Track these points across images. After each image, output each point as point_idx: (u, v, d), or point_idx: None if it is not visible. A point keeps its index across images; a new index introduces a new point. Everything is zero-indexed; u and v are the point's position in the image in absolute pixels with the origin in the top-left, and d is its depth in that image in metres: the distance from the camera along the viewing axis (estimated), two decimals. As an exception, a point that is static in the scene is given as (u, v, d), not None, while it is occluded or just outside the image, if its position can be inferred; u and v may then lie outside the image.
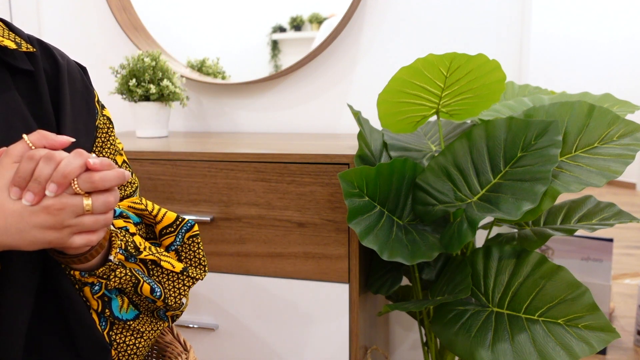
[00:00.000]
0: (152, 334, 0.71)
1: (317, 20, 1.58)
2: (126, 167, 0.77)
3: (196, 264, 0.73)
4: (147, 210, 0.70)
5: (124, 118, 1.71)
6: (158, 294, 0.67)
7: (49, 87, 0.65)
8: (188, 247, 0.72)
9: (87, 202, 0.53)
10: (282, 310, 1.17)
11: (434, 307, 1.11)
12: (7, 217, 0.52)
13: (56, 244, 0.53)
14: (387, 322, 1.58)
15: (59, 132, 0.64)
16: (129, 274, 0.64)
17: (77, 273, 0.61)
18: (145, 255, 0.66)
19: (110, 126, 0.75)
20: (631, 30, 4.30)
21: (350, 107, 1.17)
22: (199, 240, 0.73)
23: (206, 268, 0.74)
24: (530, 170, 0.93)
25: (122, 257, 0.64)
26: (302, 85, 1.58)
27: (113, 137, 0.75)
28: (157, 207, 0.71)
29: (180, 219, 0.72)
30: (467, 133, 1.02)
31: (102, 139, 0.73)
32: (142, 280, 0.65)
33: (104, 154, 0.73)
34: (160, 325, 0.72)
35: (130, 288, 0.65)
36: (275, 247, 1.15)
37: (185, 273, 0.70)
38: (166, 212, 0.71)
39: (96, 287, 0.63)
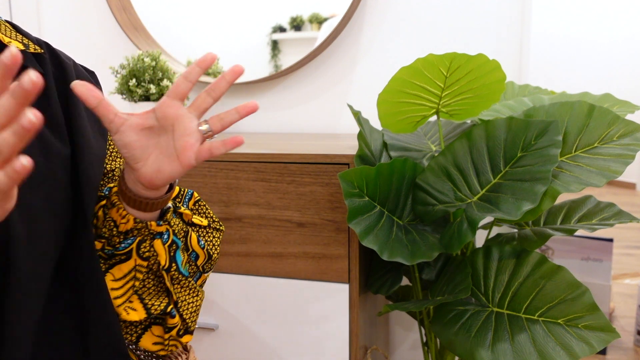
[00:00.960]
0: (202, 295, 0.73)
1: (317, 20, 1.58)
2: None
3: (212, 221, 0.77)
4: None
5: (124, 118, 1.71)
6: (202, 244, 0.71)
7: (57, 90, 0.65)
8: (197, 211, 0.76)
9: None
10: (282, 310, 1.17)
11: (434, 307, 1.11)
12: None
13: None
14: (387, 322, 1.58)
15: (72, 133, 0.64)
16: (181, 222, 0.68)
17: (153, 223, 0.64)
18: (182, 210, 0.70)
19: None
20: (631, 30, 4.30)
21: (350, 107, 1.17)
22: (204, 203, 0.77)
23: (221, 223, 0.78)
24: (530, 170, 0.93)
25: (172, 209, 0.67)
26: (302, 85, 1.58)
27: None
28: None
29: (182, 190, 0.75)
30: (467, 133, 1.02)
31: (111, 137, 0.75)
32: (189, 230, 0.69)
33: (112, 157, 0.75)
34: (201, 292, 0.74)
35: (182, 238, 0.68)
36: (275, 247, 1.15)
37: (212, 226, 0.75)
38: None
39: (165, 236, 0.65)
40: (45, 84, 0.63)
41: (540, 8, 4.20)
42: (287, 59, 1.62)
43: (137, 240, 0.65)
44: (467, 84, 1.00)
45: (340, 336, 1.14)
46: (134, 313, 0.66)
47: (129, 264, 0.66)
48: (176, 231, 0.67)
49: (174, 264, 0.67)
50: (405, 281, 1.45)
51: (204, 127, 0.59)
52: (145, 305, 0.67)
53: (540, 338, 0.89)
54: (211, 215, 0.77)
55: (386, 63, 1.51)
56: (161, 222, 0.65)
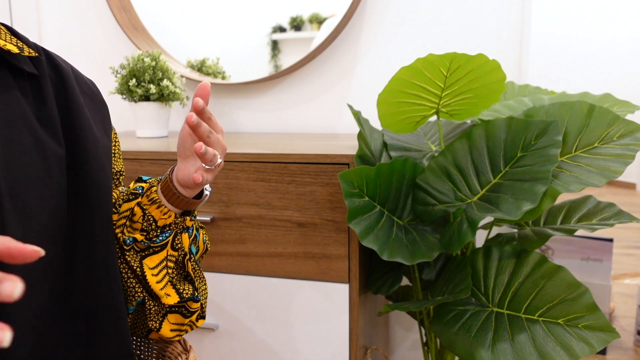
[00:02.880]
0: (207, 284, 0.83)
1: (317, 20, 1.58)
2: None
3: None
4: (155, 180, 0.80)
5: (124, 118, 1.71)
6: (205, 239, 0.82)
7: (54, 92, 0.65)
8: None
9: None
10: (282, 310, 1.17)
11: (434, 307, 1.11)
12: None
13: None
14: (387, 322, 1.58)
15: (71, 134, 0.65)
16: (196, 220, 0.78)
17: (187, 219, 0.74)
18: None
19: (115, 133, 0.79)
20: (631, 30, 4.30)
21: (350, 107, 1.17)
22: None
23: (203, 225, 0.86)
24: (530, 170, 0.93)
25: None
26: (302, 85, 1.58)
27: (119, 144, 0.80)
28: (154, 179, 0.80)
29: None
30: (467, 133, 1.02)
31: (115, 140, 0.78)
32: (200, 229, 0.80)
33: (115, 157, 0.78)
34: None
35: (197, 232, 0.78)
36: (275, 247, 1.15)
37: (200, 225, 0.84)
38: None
39: (191, 230, 0.75)
40: (40, 85, 0.64)
41: (540, 8, 4.21)
42: (287, 59, 1.62)
43: (173, 234, 0.73)
44: (467, 84, 1.00)
45: (340, 336, 1.14)
46: (170, 298, 0.73)
47: (161, 255, 0.73)
48: (196, 226, 0.78)
49: (191, 255, 0.76)
50: (405, 281, 1.45)
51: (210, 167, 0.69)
52: (177, 290, 0.74)
53: (540, 338, 0.89)
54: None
55: (386, 63, 1.51)
56: (192, 218, 0.75)
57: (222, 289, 1.20)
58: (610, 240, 1.82)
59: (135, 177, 1.21)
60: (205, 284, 0.80)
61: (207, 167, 0.67)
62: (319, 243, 1.12)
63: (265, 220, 1.15)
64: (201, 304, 0.78)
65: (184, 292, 0.75)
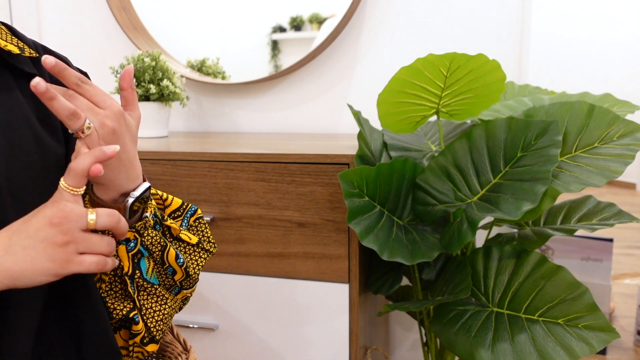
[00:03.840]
0: (173, 304, 0.72)
1: (317, 20, 1.58)
2: None
3: (206, 241, 0.76)
4: (157, 194, 0.74)
5: (124, 118, 1.70)
6: (181, 261, 0.69)
7: None
8: (195, 228, 0.76)
9: (91, 215, 0.53)
10: (282, 310, 1.17)
11: (434, 307, 1.11)
12: (12, 235, 0.52)
13: (61, 263, 0.52)
14: (387, 322, 1.58)
15: (69, 134, 0.65)
16: (159, 236, 0.67)
17: None
18: (169, 223, 0.70)
19: None
20: (631, 30, 4.30)
21: (350, 107, 1.17)
22: (205, 222, 0.78)
23: (215, 245, 0.77)
24: (530, 170, 0.93)
25: (152, 222, 0.66)
26: (302, 85, 1.58)
27: None
28: (164, 193, 0.76)
29: (185, 204, 0.76)
30: (467, 133, 1.02)
31: None
32: (168, 245, 0.68)
33: None
34: (177, 302, 0.74)
35: (158, 252, 0.67)
36: (275, 247, 1.15)
37: (200, 246, 0.74)
38: (173, 197, 0.76)
39: (132, 244, 0.66)
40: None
41: (540, 8, 4.20)
42: (287, 59, 1.62)
43: None
44: (467, 84, 1.00)
45: (340, 336, 1.14)
46: None
47: None
48: (147, 242, 0.66)
49: (137, 271, 0.68)
50: (405, 281, 1.45)
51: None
52: (107, 309, 0.68)
53: (540, 338, 0.89)
54: (207, 235, 0.77)
55: (386, 63, 1.51)
56: (130, 229, 0.65)
57: (222, 289, 1.20)
58: (610, 240, 1.82)
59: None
60: (162, 304, 0.70)
61: (70, 131, 0.55)
62: (319, 243, 1.12)
63: (265, 220, 1.15)
64: (148, 327, 0.69)
65: (115, 312, 0.68)
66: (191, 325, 1.22)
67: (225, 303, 1.21)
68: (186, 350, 0.80)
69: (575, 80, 4.39)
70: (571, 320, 0.89)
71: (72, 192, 0.54)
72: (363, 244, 0.95)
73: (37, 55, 0.65)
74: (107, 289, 0.69)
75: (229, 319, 1.21)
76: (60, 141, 0.64)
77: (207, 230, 0.77)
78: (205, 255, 0.75)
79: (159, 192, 0.75)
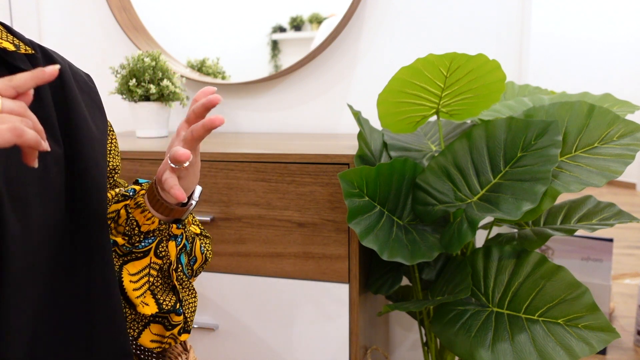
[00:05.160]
0: (197, 296, 0.78)
1: (317, 20, 1.58)
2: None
3: (204, 230, 0.83)
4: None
5: (124, 118, 1.71)
6: (202, 250, 0.77)
7: (51, 90, 0.65)
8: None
9: None
10: (282, 310, 1.17)
11: (434, 307, 1.11)
12: None
13: None
14: (387, 322, 1.58)
15: (69, 133, 0.64)
16: (190, 229, 0.74)
17: (174, 226, 0.70)
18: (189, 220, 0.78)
19: (112, 129, 0.78)
20: (631, 30, 4.30)
21: (350, 107, 1.17)
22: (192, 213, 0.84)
23: (208, 235, 0.84)
24: (530, 170, 0.93)
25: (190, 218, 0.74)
26: (302, 85, 1.58)
27: (116, 140, 0.79)
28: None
29: None
30: (467, 133, 1.02)
31: (111, 136, 0.77)
32: (195, 236, 0.76)
33: (112, 154, 0.77)
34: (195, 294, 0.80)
35: (191, 244, 0.74)
36: (275, 247, 1.15)
37: (203, 233, 0.81)
38: None
39: (179, 239, 0.71)
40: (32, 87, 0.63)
41: (540, 8, 4.20)
42: (287, 59, 1.62)
43: (156, 241, 0.70)
44: (467, 84, 1.00)
45: (340, 336, 1.14)
46: (147, 307, 0.70)
47: (144, 262, 0.70)
48: (187, 236, 0.73)
49: (179, 265, 0.73)
50: (405, 281, 1.45)
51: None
52: (157, 301, 0.71)
53: (540, 338, 0.89)
54: (198, 223, 0.84)
55: (386, 63, 1.51)
56: (180, 226, 0.70)
57: (222, 289, 1.20)
58: (610, 240, 1.82)
59: (135, 178, 1.21)
60: (194, 297, 0.76)
61: (173, 165, 0.62)
62: (319, 243, 1.12)
63: (265, 220, 1.15)
64: (185, 318, 0.74)
65: (164, 303, 0.71)
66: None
67: (225, 303, 1.21)
68: (186, 350, 0.80)
69: (575, 80, 4.39)
70: (571, 320, 0.89)
71: None
72: (363, 244, 0.95)
73: (33, 52, 0.65)
74: (158, 283, 0.72)
75: (229, 319, 1.21)
76: (58, 140, 0.63)
77: (196, 219, 0.84)
78: (208, 242, 0.81)
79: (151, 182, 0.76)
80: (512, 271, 0.98)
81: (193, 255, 0.75)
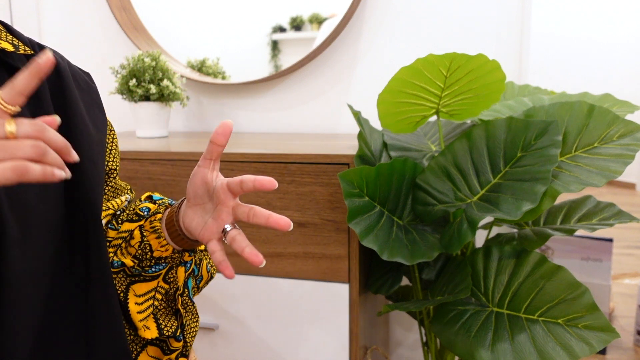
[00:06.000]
0: (199, 320, 0.78)
1: (317, 20, 1.58)
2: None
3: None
4: (166, 200, 0.76)
5: (124, 118, 1.71)
6: (209, 268, 0.76)
7: (50, 90, 0.65)
8: None
9: (9, 126, 0.45)
10: (282, 310, 1.17)
11: (434, 307, 1.11)
12: None
13: None
14: (387, 322, 1.58)
15: (68, 134, 0.64)
16: (198, 251, 0.72)
17: (186, 254, 0.69)
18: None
19: (112, 128, 0.77)
20: (631, 30, 4.30)
21: (350, 107, 1.17)
22: None
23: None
24: (530, 170, 0.93)
25: None
26: (302, 85, 1.58)
27: (116, 140, 0.78)
28: (166, 198, 0.76)
29: None
30: (467, 133, 1.03)
31: (111, 136, 0.75)
32: (202, 255, 0.75)
33: (112, 154, 0.75)
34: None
35: (198, 267, 0.73)
36: (275, 247, 1.15)
37: (206, 250, 0.78)
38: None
39: (188, 265, 0.70)
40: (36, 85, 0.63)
41: (540, 8, 4.21)
42: (287, 59, 1.62)
43: (167, 267, 0.69)
44: (467, 84, 1.00)
45: (340, 336, 1.14)
46: (148, 332, 0.69)
47: (151, 284, 0.69)
48: (196, 260, 0.72)
49: (186, 290, 0.71)
50: (405, 281, 1.45)
51: (228, 226, 0.62)
52: (159, 326, 0.69)
53: (540, 338, 0.89)
54: None
55: (386, 63, 1.51)
56: (192, 254, 0.70)
57: (222, 289, 1.20)
58: (610, 240, 1.82)
59: (136, 178, 1.21)
60: (196, 321, 0.75)
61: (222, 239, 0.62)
62: (319, 243, 1.12)
63: (265, 220, 1.15)
64: (185, 343, 0.73)
65: (165, 329, 0.70)
66: (191, 325, 1.22)
67: (225, 303, 1.21)
68: (186, 350, 0.80)
69: (575, 80, 4.39)
70: (571, 320, 0.89)
71: (3, 107, 0.46)
72: (363, 244, 0.95)
73: (33, 52, 0.65)
74: (161, 306, 0.70)
75: (229, 319, 1.21)
76: None
77: None
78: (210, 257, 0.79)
79: (165, 199, 0.74)
80: (512, 271, 0.98)
81: (200, 275, 0.75)
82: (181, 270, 0.70)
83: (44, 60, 0.47)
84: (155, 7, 1.71)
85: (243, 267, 1.18)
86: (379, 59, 1.51)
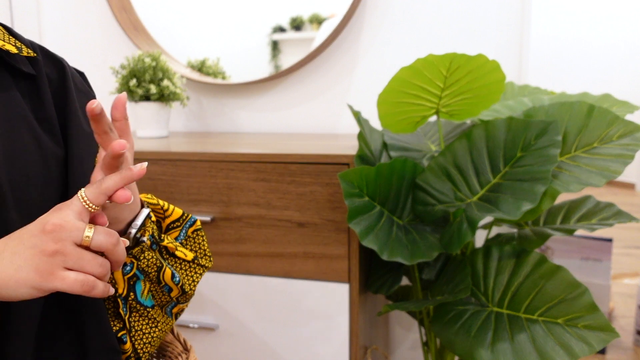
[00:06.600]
0: (164, 326, 0.73)
1: (317, 21, 1.58)
2: None
3: (202, 255, 0.76)
4: (158, 205, 0.73)
5: (124, 118, 1.70)
6: (177, 280, 0.70)
7: (52, 92, 0.65)
8: (193, 240, 0.76)
9: (88, 231, 0.50)
10: (282, 310, 1.17)
11: (433, 307, 1.12)
12: (8, 241, 0.50)
13: (43, 274, 0.49)
14: (387, 322, 1.58)
15: (67, 134, 0.64)
16: (155, 256, 0.67)
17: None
18: (166, 243, 0.70)
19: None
20: (631, 30, 4.30)
21: (350, 107, 1.17)
22: (203, 234, 0.77)
23: (211, 258, 0.77)
24: (530, 170, 0.94)
25: (149, 243, 0.66)
26: (302, 85, 1.58)
27: None
28: (165, 202, 0.75)
29: (185, 215, 0.75)
30: (467, 133, 1.03)
31: None
32: (164, 265, 0.68)
33: None
34: (169, 321, 0.74)
35: (154, 273, 0.68)
36: (275, 247, 1.15)
37: (196, 261, 0.74)
38: (174, 208, 0.75)
39: (127, 268, 0.65)
40: (38, 86, 0.63)
41: (540, 8, 4.20)
42: (287, 59, 1.62)
43: None
44: (467, 84, 1.00)
45: (340, 336, 1.14)
46: None
47: None
48: (143, 266, 0.67)
49: (132, 293, 0.68)
50: (405, 281, 1.45)
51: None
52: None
53: (540, 338, 0.89)
54: (204, 248, 0.77)
55: (386, 63, 1.51)
56: (129, 255, 0.66)
57: (222, 289, 1.21)
58: (610, 240, 1.82)
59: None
60: (152, 327, 0.70)
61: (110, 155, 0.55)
62: (319, 243, 1.12)
63: (265, 220, 1.15)
64: (135, 348, 0.69)
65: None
66: (191, 325, 1.23)
67: (225, 303, 1.21)
68: (186, 350, 0.80)
69: (575, 80, 4.39)
70: (571, 320, 0.89)
71: (86, 205, 0.51)
72: (363, 244, 0.96)
73: (35, 55, 0.65)
74: (108, 307, 0.69)
75: (229, 319, 1.21)
76: (59, 142, 0.64)
77: (204, 242, 0.77)
78: (201, 271, 0.75)
79: (161, 202, 0.73)
80: (511, 271, 0.98)
81: (164, 284, 0.69)
82: (118, 273, 0.66)
83: (138, 170, 0.52)
84: (155, 7, 1.71)
85: (243, 267, 1.18)
86: (379, 59, 1.51)
